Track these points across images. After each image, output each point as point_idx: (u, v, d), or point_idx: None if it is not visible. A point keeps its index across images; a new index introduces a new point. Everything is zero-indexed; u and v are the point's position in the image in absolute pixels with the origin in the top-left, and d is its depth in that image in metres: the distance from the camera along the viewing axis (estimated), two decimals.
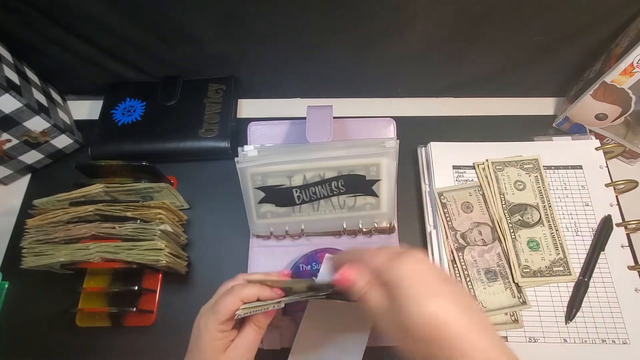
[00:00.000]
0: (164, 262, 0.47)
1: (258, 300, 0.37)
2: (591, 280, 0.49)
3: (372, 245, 0.54)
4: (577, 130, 0.62)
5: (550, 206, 0.53)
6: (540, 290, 0.50)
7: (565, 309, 0.49)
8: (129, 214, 0.48)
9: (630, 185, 0.54)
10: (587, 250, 0.51)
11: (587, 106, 0.57)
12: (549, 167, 0.56)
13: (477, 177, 0.55)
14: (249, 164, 0.49)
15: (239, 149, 0.49)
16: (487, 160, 0.56)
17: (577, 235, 0.52)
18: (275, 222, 0.52)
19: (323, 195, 0.50)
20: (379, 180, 0.50)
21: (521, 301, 0.49)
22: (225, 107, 0.62)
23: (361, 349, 0.47)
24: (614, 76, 0.52)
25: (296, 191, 0.50)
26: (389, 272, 0.31)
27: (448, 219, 0.53)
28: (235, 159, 0.48)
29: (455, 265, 0.50)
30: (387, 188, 0.51)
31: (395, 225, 0.54)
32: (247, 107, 0.67)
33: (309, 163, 0.49)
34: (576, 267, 0.50)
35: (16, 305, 0.52)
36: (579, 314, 0.48)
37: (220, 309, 0.35)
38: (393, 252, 0.32)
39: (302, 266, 0.51)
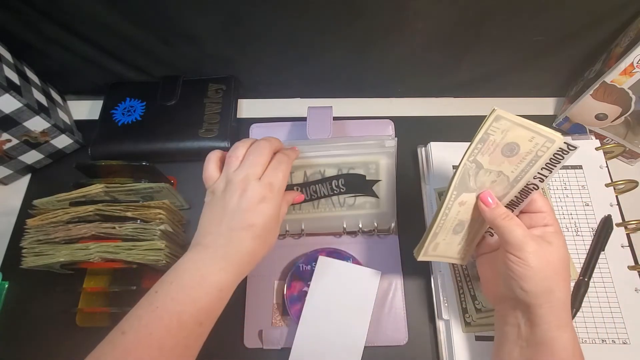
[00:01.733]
0: (164, 262, 0.47)
1: None
2: (591, 280, 0.49)
3: (372, 244, 0.54)
4: (577, 130, 0.62)
5: None
6: None
7: None
8: (129, 214, 0.48)
9: (630, 185, 0.54)
10: (587, 250, 0.51)
11: (587, 106, 0.57)
12: None
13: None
14: None
15: None
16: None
17: (577, 235, 0.52)
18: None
19: (323, 194, 0.51)
20: (379, 180, 0.50)
21: None
22: (225, 107, 0.62)
23: (360, 348, 0.47)
24: (614, 76, 0.52)
25: (296, 189, 0.50)
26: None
27: None
28: None
29: (455, 265, 0.50)
30: (387, 188, 0.51)
31: (396, 225, 0.54)
32: (247, 107, 0.68)
33: (310, 159, 0.49)
34: (576, 267, 0.50)
35: (16, 305, 0.52)
36: (579, 314, 0.48)
37: (285, 179, 0.39)
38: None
39: (302, 266, 0.51)
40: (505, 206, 0.38)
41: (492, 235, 0.41)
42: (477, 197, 0.37)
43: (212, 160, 0.40)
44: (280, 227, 0.40)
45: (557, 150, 0.33)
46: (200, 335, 0.35)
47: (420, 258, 0.40)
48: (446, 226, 0.38)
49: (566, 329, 0.34)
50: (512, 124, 0.33)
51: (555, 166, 0.34)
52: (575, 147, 0.32)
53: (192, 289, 0.34)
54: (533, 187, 0.36)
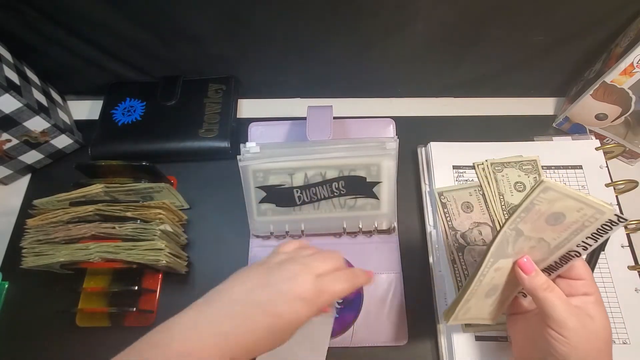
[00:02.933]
0: (164, 262, 0.47)
1: None
2: None
3: (372, 245, 0.54)
4: (577, 130, 0.62)
5: None
6: None
7: None
8: (129, 214, 0.48)
9: (630, 185, 0.54)
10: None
11: (587, 106, 0.57)
12: (549, 167, 0.56)
13: (477, 177, 0.55)
14: (251, 162, 0.49)
15: (241, 145, 0.49)
16: (486, 161, 0.56)
17: None
18: (276, 220, 0.52)
19: (324, 196, 0.50)
20: (380, 182, 0.50)
21: None
22: (225, 107, 0.62)
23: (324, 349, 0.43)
24: (614, 76, 0.52)
25: (297, 191, 0.50)
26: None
27: (448, 219, 0.53)
28: (238, 156, 0.49)
29: (455, 265, 0.50)
30: (387, 189, 0.51)
31: (396, 226, 0.54)
32: (247, 107, 0.67)
33: (311, 161, 0.49)
34: None
35: (16, 305, 0.52)
36: None
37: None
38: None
39: None
40: (543, 270, 0.36)
41: (524, 296, 0.39)
42: (515, 263, 0.36)
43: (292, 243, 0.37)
44: (288, 338, 0.33)
45: (606, 222, 0.32)
46: None
47: (450, 323, 0.39)
48: (479, 292, 0.37)
49: None
50: (560, 195, 0.31)
51: (602, 236, 0.32)
52: (626, 220, 0.31)
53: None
54: (575, 255, 0.34)
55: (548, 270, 0.36)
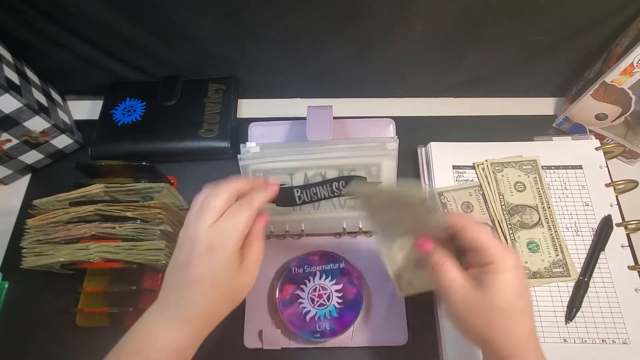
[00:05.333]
0: (164, 262, 0.47)
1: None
2: (591, 280, 0.49)
3: (372, 245, 0.54)
4: (577, 130, 0.62)
5: (549, 207, 0.53)
6: (540, 290, 0.50)
7: (565, 309, 0.49)
8: (129, 214, 0.48)
9: (630, 185, 0.54)
10: (587, 250, 0.51)
11: (587, 106, 0.57)
12: (549, 167, 0.56)
13: (477, 177, 0.55)
14: (251, 162, 0.49)
15: (241, 145, 0.49)
16: (486, 161, 0.56)
17: (577, 235, 0.52)
18: (276, 220, 0.52)
19: (324, 196, 0.50)
20: (380, 183, 0.50)
21: None
22: (225, 107, 0.62)
23: None
24: (614, 76, 0.52)
25: (297, 191, 0.50)
26: (494, 258, 0.33)
27: None
28: (238, 155, 0.49)
29: None
30: None
31: None
32: (247, 107, 0.67)
33: (311, 161, 0.49)
34: (576, 267, 0.50)
35: (16, 305, 0.52)
36: (579, 314, 0.48)
37: (241, 227, 0.33)
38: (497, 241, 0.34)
39: (294, 269, 0.51)
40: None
41: None
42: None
43: (198, 201, 0.35)
44: (250, 273, 0.35)
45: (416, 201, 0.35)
46: None
47: (404, 294, 0.40)
48: (406, 267, 0.39)
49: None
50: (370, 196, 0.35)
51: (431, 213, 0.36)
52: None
53: (147, 355, 0.32)
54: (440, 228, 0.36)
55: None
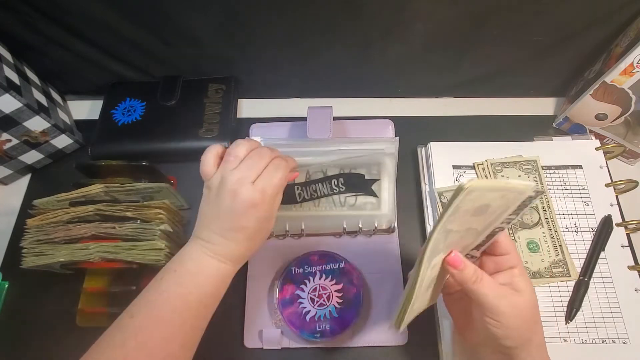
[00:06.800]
0: (164, 262, 0.47)
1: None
2: (591, 280, 0.49)
3: (372, 245, 0.54)
4: (577, 130, 0.62)
5: (549, 207, 0.53)
6: (540, 290, 0.50)
7: (565, 309, 0.49)
8: (129, 214, 0.48)
9: (630, 185, 0.54)
10: (587, 250, 0.51)
11: (587, 106, 0.57)
12: (549, 167, 0.56)
13: (477, 177, 0.56)
14: None
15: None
16: (486, 161, 0.56)
17: (577, 235, 0.53)
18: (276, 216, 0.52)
19: (324, 193, 0.51)
20: (378, 180, 0.50)
21: None
22: (225, 107, 0.62)
23: None
24: (614, 76, 0.52)
25: (297, 188, 0.50)
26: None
27: None
28: None
29: None
30: (387, 189, 0.51)
31: (396, 226, 0.54)
32: (247, 107, 0.67)
33: (312, 159, 0.49)
34: (576, 267, 0.50)
35: (16, 305, 0.52)
36: (579, 314, 0.48)
37: (278, 186, 0.38)
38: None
39: (294, 269, 0.51)
40: (472, 250, 0.37)
41: None
42: (444, 260, 0.36)
43: (210, 155, 0.40)
44: (273, 223, 0.40)
45: (525, 199, 0.33)
46: (205, 317, 0.37)
47: (401, 329, 0.39)
48: (421, 291, 0.37)
49: None
50: (483, 192, 0.32)
51: (523, 210, 0.34)
52: (543, 192, 0.32)
53: (195, 276, 0.37)
54: (499, 230, 0.35)
55: (476, 248, 0.37)
